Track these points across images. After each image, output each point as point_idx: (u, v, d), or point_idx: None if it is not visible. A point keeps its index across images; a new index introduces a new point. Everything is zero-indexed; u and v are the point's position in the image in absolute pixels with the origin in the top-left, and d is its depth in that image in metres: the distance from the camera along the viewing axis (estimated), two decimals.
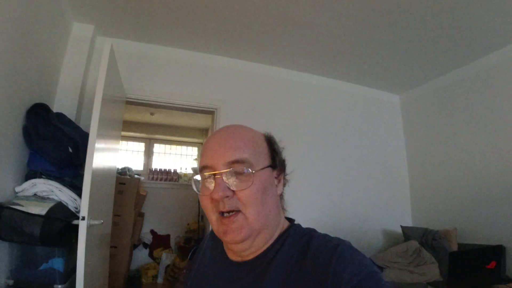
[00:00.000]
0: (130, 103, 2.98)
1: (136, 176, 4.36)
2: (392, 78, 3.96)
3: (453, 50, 3.32)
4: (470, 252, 2.57)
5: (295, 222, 0.83)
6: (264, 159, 0.75)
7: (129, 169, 4.23)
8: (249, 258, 0.76)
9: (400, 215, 3.93)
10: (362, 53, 3.36)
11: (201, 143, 6.42)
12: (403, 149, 4.24)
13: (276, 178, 0.79)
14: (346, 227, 3.50)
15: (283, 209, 0.83)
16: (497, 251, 2.49)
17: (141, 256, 4.68)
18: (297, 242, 0.74)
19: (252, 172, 0.70)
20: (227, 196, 0.70)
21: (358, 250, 0.67)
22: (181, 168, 6.02)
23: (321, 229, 0.78)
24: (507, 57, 3.23)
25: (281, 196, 0.82)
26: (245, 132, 0.77)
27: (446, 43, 3.16)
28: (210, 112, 3.35)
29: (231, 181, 0.70)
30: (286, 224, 0.82)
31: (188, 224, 5.28)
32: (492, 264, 2.45)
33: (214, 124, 3.27)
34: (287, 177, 0.85)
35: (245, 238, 0.71)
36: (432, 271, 3.10)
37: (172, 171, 5.76)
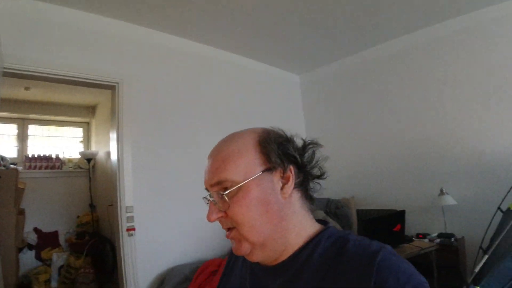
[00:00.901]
0: (7, 74, 2.34)
1: (12, 166, 3.60)
2: (294, 59, 4.13)
3: (351, 36, 3.60)
4: (381, 218, 2.85)
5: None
6: (252, 168, 0.68)
7: (3, 158, 3.46)
8: (275, 263, 0.72)
9: None
10: (268, 32, 3.38)
11: (88, 123, 5.68)
12: (302, 128, 4.47)
13: (281, 178, 0.70)
14: None
15: (307, 210, 0.75)
16: (402, 215, 2.82)
17: (28, 260, 3.96)
18: (329, 246, 0.67)
19: (232, 190, 0.66)
20: (221, 217, 0.69)
21: (401, 257, 0.61)
22: (64, 153, 5.23)
23: None
24: (399, 48, 3.70)
25: (303, 195, 0.74)
26: (228, 146, 0.72)
27: (345, 28, 3.40)
28: (109, 87, 2.92)
29: (219, 203, 0.68)
30: (316, 227, 0.74)
31: (79, 217, 4.68)
32: (398, 227, 2.77)
33: (117, 101, 2.86)
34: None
35: (247, 252, 0.69)
36: None
37: (54, 157, 4.96)
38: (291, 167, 0.70)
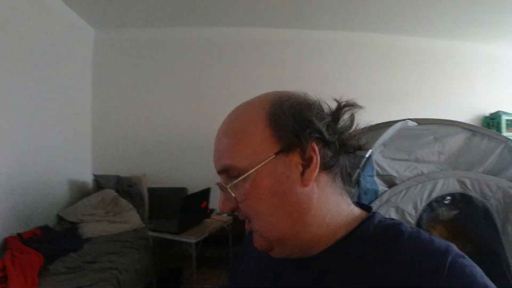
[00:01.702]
0: None
1: None
2: (91, 7, 3.33)
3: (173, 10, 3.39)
4: (193, 195, 2.87)
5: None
6: (262, 151, 0.53)
7: None
8: (304, 257, 0.57)
9: (83, 163, 3.57)
10: None
11: None
12: (89, 91, 3.76)
13: (301, 161, 0.53)
14: (29, 180, 2.73)
15: (342, 194, 0.57)
16: (207, 192, 2.98)
17: None
18: (376, 239, 0.53)
19: (239, 180, 0.53)
20: (234, 208, 0.56)
21: (471, 261, 0.49)
22: None
23: None
24: (204, 36, 3.82)
25: (335, 176, 0.56)
26: (232, 123, 0.57)
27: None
28: None
29: (228, 193, 0.55)
30: (356, 214, 0.58)
31: None
32: (204, 203, 2.92)
33: None
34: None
35: (267, 249, 0.57)
36: (133, 217, 3.17)
37: None
38: (314, 144, 0.52)
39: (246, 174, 0.52)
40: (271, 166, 0.52)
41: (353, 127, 0.56)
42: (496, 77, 4.31)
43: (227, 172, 0.55)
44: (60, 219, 3.00)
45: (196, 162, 3.74)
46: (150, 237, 2.75)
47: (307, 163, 0.52)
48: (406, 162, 1.80)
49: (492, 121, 4.11)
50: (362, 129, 0.56)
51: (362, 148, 0.57)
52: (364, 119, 0.56)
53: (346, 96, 0.57)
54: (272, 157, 0.52)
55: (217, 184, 0.57)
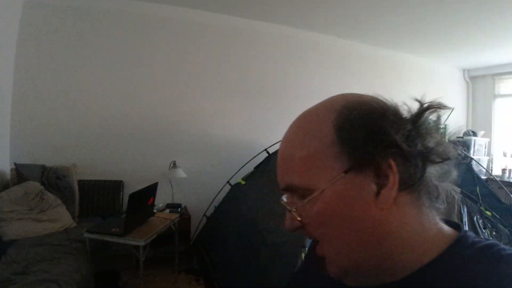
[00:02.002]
0: None
1: None
2: None
3: None
4: (141, 191, 2.60)
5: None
6: (328, 169, 0.46)
7: None
8: (386, 282, 0.49)
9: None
10: None
11: None
12: (10, 68, 3.09)
13: (376, 179, 0.45)
14: None
15: (428, 214, 0.48)
16: (154, 188, 2.74)
17: None
18: (471, 264, 0.44)
19: (304, 202, 0.47)
20: (299, 227, 0.50)
21: None
22: None
23: None
24: (148, 12, 3.50)
25: (420, 193, 0.47)
26: (295, 136, 0.51)
27: None
28: None
29: (293, 211, 0.49)
30: (445, 235, 0.49)
31: None
32: (151, 200, 2.68)
33: None
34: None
35: (341, 276, 0.49)
36: (63, 215, 2.78)
37: None
38: (390, 160, 0.44)
39: (312, 196, 0.46)
40: (340, 186, 0.45)
41: (439, 133, 0.48)
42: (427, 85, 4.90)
43: (291, 190, 0.50)
44: None
45: (133, 153, 3.46)
46: (87, 239, 2.44)
47: (382, 182, 0.45)
48: None
49: None
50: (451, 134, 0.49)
51: (451, 157, 0.47)
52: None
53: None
54: (340, 176, 0.45)
55: (282, 201, 0.52)
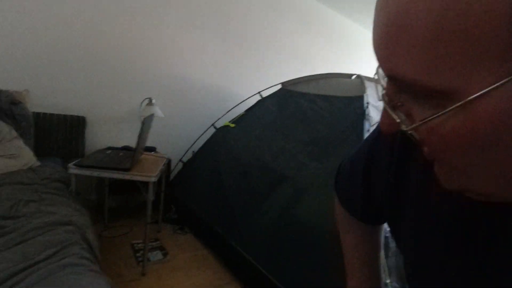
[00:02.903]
0: None
1: None
2: None
3: None
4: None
5: None
6: (498, 62, 0.24)
7: None
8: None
9: None
10: None
11: None
12: None
13: None
14: None
15: None
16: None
17: None
18: None
19: (437, 115, 0.28)
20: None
21: None
22: None
23: None
24: None
25: None
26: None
27: None
28: None
29: (400, 111, 0.32)
30: None
31: None
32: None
33: None
34: None
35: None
36: (23, 151, 2.13)
37: None
38: None
39: (455, 105, 0.26)
40: (502, 94, 0.24)
41: None
42: None
43: (402, 86, 0.30)
44: None
45: (99, 86, 2.83)
46: (73, 177, 1.88)
47: None
48: None
49: None
50: None
51: None
52: None
53: None
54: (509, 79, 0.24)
55: (382, 94, 0.33)
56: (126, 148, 2.62)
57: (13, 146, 2.09)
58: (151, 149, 2.87)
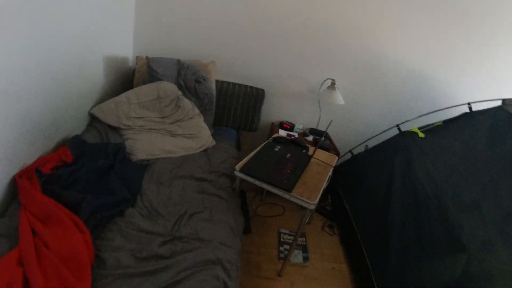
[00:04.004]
0: None
1: None
2: None
3: None
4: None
5: None
6: None
7: None
8: None
9: (122, 42, 2.34)
10: None
11: None
12: None
13: None
14: (58, 69, 1.59)
15: None
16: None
17: None
18: None
19: None
20: None
21: None
22: None
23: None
24: None
25: None
26: None
27: None
28: None
29: None
30: None
31: None
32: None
33: None
34: None
35: None
36: (202, 131, 2.17)
37: None
38: None
39: None
40: None
41: None
42: None
43: None
44: (93, 121, 1.99)
45: (279, 60, 2.57)
46: (237, 180, 1.81)
47: None
48: None
49: None
50: None
51: None
52: None
53: None
54: None
55: None
56: (297, 143, 2.25)
57: (194, 125, 2.14)
58: (322, 134, 2.58)
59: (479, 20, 2.43)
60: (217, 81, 2.45)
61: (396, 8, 2.38)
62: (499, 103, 2.07)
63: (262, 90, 2.56)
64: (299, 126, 2.65)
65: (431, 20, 2.43)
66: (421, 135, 2.23)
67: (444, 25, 2.46)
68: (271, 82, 2.62)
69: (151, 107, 2.07)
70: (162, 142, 1.97)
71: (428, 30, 2.46)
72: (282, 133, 2.54)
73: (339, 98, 2.45)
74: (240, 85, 2.53)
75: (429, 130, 2.25)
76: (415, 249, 1.69)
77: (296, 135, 2.57)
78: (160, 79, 2.12)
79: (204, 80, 2.23)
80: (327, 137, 2.65)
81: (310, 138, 2.59)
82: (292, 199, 1.65)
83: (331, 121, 2.20)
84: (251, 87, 2.54)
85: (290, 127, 2.63)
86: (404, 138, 2.29)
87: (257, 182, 1.70)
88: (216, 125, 2.48)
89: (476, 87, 2.63)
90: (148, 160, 1.85)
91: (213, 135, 2.25)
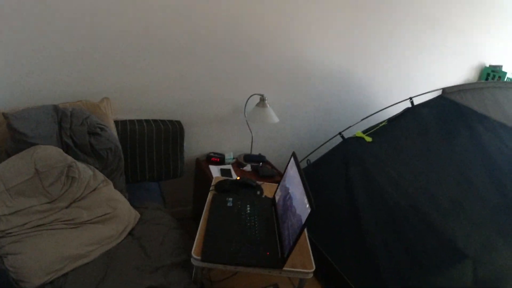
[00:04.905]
0: None
1: None
2: None
3: None
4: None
5: None
6: None
7: None
8: None
9: None
10: None
11: None
12: None
13: None
14: None
15: None
16: None
17: None
18: None
19: None
20: None
21: None
22: None
23: None
24: None
25: None
26: None
27: None
28: None
29: None
30: None
31: None
32: None
33: None
34: None
35: None
36: (118, 205, 1.48)
37: None
38: None
39: None
40: None
41: None
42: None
43: None
44: None
45: (193, 82, 2.02)
46: (199, 270, 1.24)
47: None
48: None
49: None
50: None
51: None
52: None
53: None
54: None
55: None
56: (247, 184, 1.68)
57: (103, 200, 1.44)
58: (259, 159, 2.16)
59: (388, 10, 2.35)
60: (117, 123, 1.75)
61: (315, 8, 2.09)
62: (439, 93, 2.05)
63: (179, 122, 1.96)
64: (229, 156, 2.17)
65: (347, 15, 2.23)
66: (368, 139, 2.03)
67: (371, 27, 2.32)
68: (187, 110, 2.05)
69: (30, 191, 1.29)
70: (63, 244, 1.24)
71: (345, 26, 2.26)
72: (214, 170, 2.01)
73: (271, 115, 2.03)
74: (148, 121, 1.89)
75: (375, 132, 2.07)
76: (410, 267, 1.47)
77: (231, 168, 2.07)
78: (32, 144, 1.34)
79: (102, 129, 1.53)
80: (265, 161, 2.23)
81: (248, 167, 2.13)
82: (284, 274, 1.20)
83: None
84: (163, 121, 1.93)
85: (219, 159, 2.11)
86: (351, 146, 2.05)
87: (230, 268, 1.18)
88: (128, 183, 1.79)
89: (416, 82, 2.58)
90: (52, 283, 1.12)
91: (129, 200, 1.59)
